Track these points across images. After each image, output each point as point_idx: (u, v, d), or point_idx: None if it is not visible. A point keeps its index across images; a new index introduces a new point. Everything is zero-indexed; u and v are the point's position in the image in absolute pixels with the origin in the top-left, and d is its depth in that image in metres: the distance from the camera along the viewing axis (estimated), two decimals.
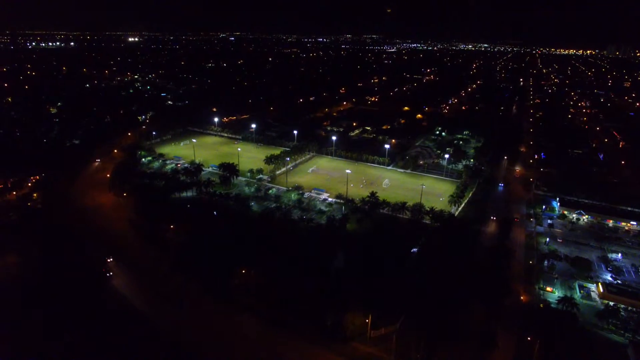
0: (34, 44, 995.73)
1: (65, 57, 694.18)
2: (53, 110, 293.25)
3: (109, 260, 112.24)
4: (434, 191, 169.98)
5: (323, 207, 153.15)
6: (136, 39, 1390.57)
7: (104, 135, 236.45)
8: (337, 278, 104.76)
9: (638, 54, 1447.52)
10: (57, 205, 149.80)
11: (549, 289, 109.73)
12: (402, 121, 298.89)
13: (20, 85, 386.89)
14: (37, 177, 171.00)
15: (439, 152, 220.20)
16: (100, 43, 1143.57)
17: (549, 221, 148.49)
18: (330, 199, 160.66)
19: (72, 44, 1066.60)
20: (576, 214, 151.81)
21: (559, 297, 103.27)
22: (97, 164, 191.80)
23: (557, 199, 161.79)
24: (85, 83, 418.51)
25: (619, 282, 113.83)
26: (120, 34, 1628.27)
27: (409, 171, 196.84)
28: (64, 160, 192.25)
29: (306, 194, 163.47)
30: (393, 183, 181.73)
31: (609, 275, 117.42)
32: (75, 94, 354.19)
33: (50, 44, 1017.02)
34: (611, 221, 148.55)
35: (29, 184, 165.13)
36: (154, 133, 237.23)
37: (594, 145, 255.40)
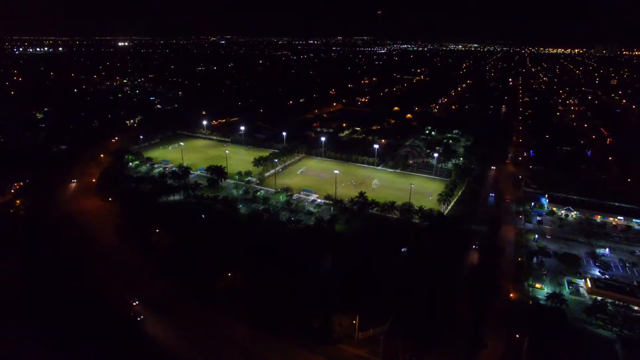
0: (21, 49, 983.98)
1: (54, 62, 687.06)
2: (39, 116, 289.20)
3: (134, 303, 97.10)
4: (423, 190, 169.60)
5: (312, 209, 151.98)
6: (126, 44, 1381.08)
7: (91, 140, 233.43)
8: (325, 279, 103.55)
9: (624, 52, 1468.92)
10: (41, 211, 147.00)
11: (538, 285, 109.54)
12: (392, 121, 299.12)
13: (6, 90, 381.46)
14: (21, 183, 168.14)
15: (428, 151, 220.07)
16: (90, 48, 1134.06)
17: (538, 218, 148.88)
18: (319, 200, 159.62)
19: (60, 49, 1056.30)
20: (565, 210, 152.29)
21: (547, 293, 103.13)
22: (84, 168, 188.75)
23: (546, 195, 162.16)
24: (74, 88, 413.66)
25: (607, 277, 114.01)
26: (110, 38, 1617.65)
27: (398, 171, 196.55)
28: (49, 166, 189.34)
29: (295, 196, 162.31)
30: (382, 183, 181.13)
31: (597, 270, 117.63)
32: (62, 99, 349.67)
33: (38, 49, 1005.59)
34: (599, 217, 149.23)
35: (12, 190, 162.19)
36: (141, 137, 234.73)
37: (582, 142, 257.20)
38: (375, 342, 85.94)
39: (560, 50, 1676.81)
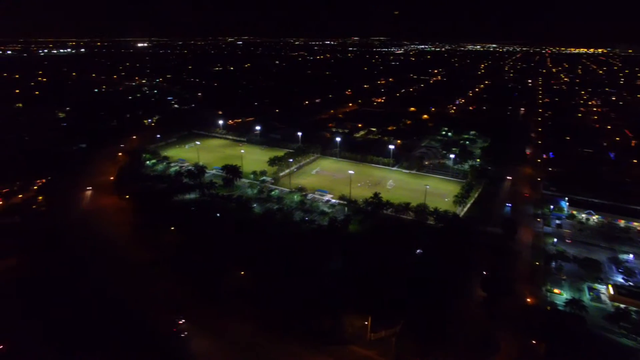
0: (45, 51, 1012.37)
1: (75, 63, 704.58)
2: (62, 115, 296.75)
3: (180, 322, 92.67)
4: (439, 192, 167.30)
5: (326, 209, 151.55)
6: (145, 44, 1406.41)
7: (110, 138, 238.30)
8: (337, 280, 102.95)
9: None
10: (61, 208, 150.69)
11: (556, 290, 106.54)
12: (408, 122, 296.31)
13: (31, 91, 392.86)
14: (43, 180, 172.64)
15: (444, 152, 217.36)
16: (110, 49, 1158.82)
17: (557, 221, 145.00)
18: (333, 201, 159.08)
19: (82, 50, 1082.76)
20: (586, 213, 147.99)
21: (566, 299, 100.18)
22: (102, 167, 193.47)
23: (566, 198, 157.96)
24: (94, 88, 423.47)
25: (631, 283, 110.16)
26: (130, 39, 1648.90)
27: (413, 172, 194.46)
28: (70, 164, 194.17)
29: (309, 196, 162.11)
30: (397, 184, 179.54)
31: (620, 276, 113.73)
32: (83, 98, 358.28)
33: (61, 50, 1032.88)
34: (623, 221, 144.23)
35: (35, 187, 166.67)
36: (158, 136, 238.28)
37: (604, 144, 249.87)
38: (386, 344, 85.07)
39: (582, 50, 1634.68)
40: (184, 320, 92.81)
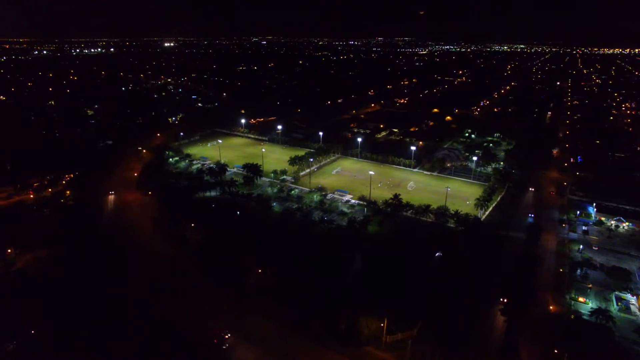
0: (77, 50, 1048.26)
1: (105, 62, 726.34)
2: (90, 112, 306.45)
3: (227, 336, 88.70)
4: (460, 194, 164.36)
5: (345, 209, 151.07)
6: (172, 44, 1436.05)
7: (135, 136, 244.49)
8: (354, 280, 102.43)
9: None
10: (87, 202, 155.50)
11: (581, 299, 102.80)
12: (431, 123, 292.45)
13: (63, 89, 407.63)
14: (72, 175, 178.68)
15: (467, 154, 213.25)
16: (138, 48, 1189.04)
17: (584, 227, 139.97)
18: (353, 201, 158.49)
19: (112, 49, 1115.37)
20: (615, 220, 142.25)
21: (592, 308, 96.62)
22: (127, 163, 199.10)
23: (594, 204, 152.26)
24: (121, 87, 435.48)
25: None
26: (157, 39, 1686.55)
27: (435, 174, 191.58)
28: (96, 160, 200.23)
29: (329, 196, 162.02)
30: (418, 185, 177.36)
31: None
32: (110, 96, 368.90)
33: (92, 50, 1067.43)
34: None
35: (64, 182, 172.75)
36: (182, 134, 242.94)
37: (638, 148, 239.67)
38: (403, 347, 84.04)
39: (617, 51, 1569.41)
40: (229, 335, 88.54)
